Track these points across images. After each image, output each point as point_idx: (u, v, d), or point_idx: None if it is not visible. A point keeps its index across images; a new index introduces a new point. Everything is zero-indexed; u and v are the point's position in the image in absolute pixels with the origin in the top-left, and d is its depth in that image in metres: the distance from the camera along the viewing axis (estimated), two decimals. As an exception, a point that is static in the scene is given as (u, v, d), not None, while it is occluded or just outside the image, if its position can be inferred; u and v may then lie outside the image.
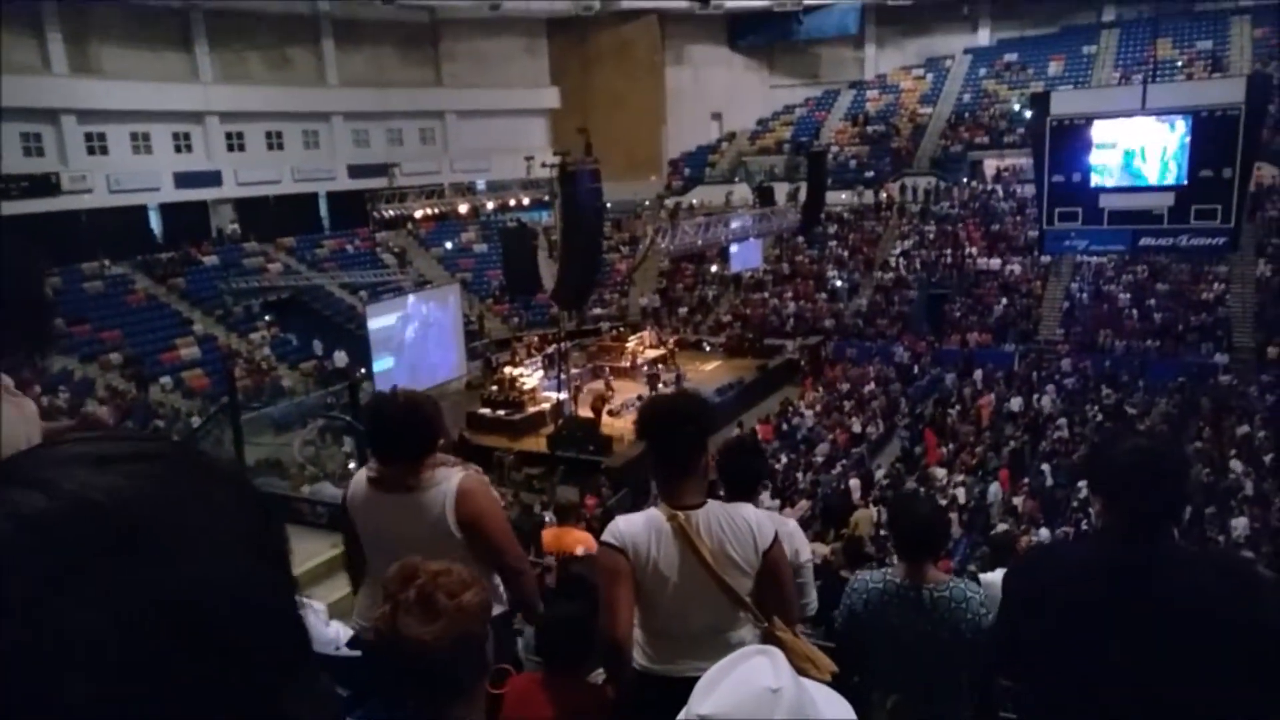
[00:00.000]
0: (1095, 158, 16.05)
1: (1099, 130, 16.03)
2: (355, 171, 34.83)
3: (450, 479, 2.81)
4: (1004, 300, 27.93)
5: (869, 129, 37.73)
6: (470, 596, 1.72)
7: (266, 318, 27.84)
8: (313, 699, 0.54)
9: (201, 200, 30.84)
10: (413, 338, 22.83)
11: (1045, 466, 18.30)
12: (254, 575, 0.53)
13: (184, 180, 29.99)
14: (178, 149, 30.40)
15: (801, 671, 1.48)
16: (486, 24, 37.09)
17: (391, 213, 34.69)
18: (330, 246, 32.67)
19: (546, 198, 28.96)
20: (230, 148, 31.67)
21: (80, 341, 23.52)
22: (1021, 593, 2.32)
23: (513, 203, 36.39)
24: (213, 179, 30.86)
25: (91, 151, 27.94)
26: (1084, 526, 14.66)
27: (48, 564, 0.45)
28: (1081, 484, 17.01)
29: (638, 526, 2.56)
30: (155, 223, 29.98)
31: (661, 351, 27.20)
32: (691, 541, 2.48)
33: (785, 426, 22.23)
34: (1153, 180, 15.50)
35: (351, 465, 11.88)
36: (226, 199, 31.58)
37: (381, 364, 21.54)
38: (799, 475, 18.88)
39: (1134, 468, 2.06)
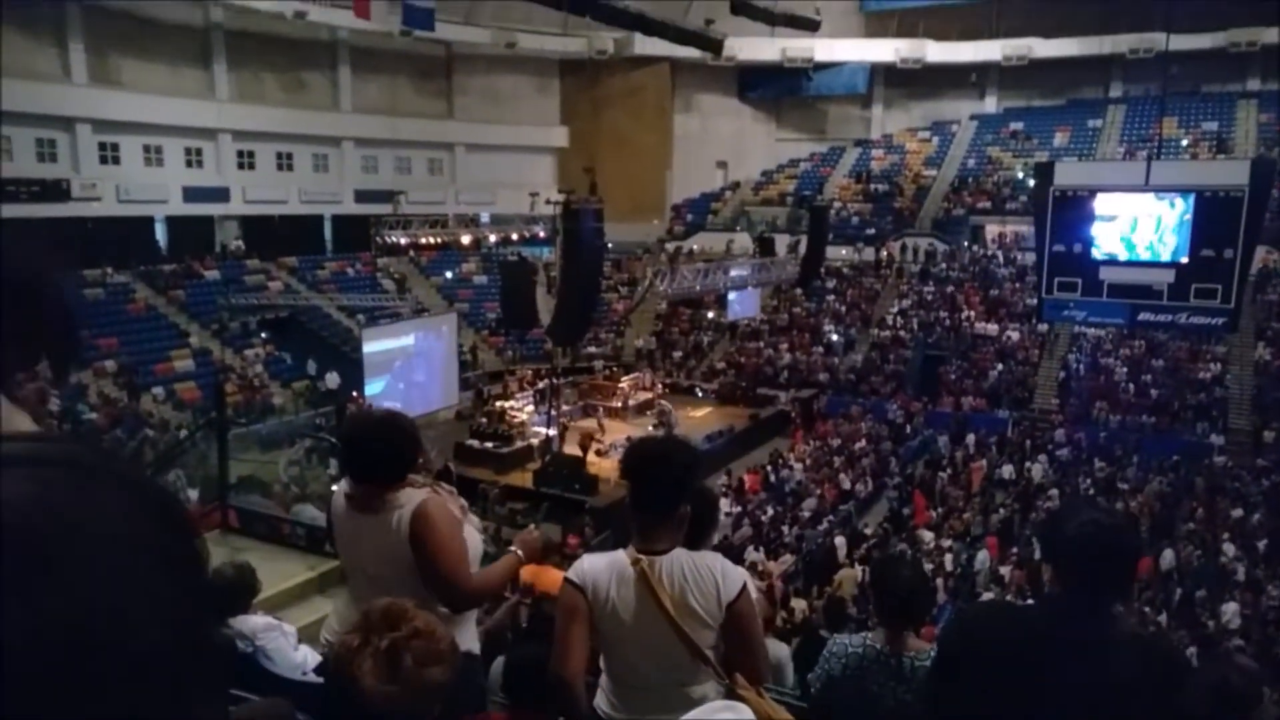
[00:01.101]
0: (1097, 230, 16.14)
1: (1102, 203, 16.15)
2: (362, 196, 35.05)
3: (411, 501, 2.77)
4: (1000, 366, 27.98)
5: (872, 187, 38.13)
6: (438, 673, 1.67)
7: (263, 335, 27.79)
8: None
9: (208, 215, 30.97)
10: (406, 364, 22.77)
11: (1035, 537, 18.15)
12: (156, 589, 0.50)
13: (192, 194, 30.14)
14: (188, 163, 30.61)
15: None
16: (501, 61, 37.62)
17: (395, 239, 34.83)
18: (332, 268, 32.74)
19: (544, 234, 29.17)
20: (240, 165, 31.89)
21: (82, 345, 23.39)
22: (955, 651, 2.34)
23: (515, 237, 36.58)
24: (221, 195, 31.03)
25: (104, 161, 28.11)
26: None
27: None
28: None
29: (600, 566, 2.52)
30: (161, 234, 30.07)
31: (650, 395, 27.16)
32: (651, 587, 2.42)
33: (773, 478, 22.10)
34: (1154, 256, 15.60)
35: (334, 488, 11.75)
36: (233, 215, 31.72)
37: (374, 388, 21.46)
38: (784, 529, 18.71)
39: (1086, 541, 2.10)
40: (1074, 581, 2.12)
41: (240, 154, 31.85)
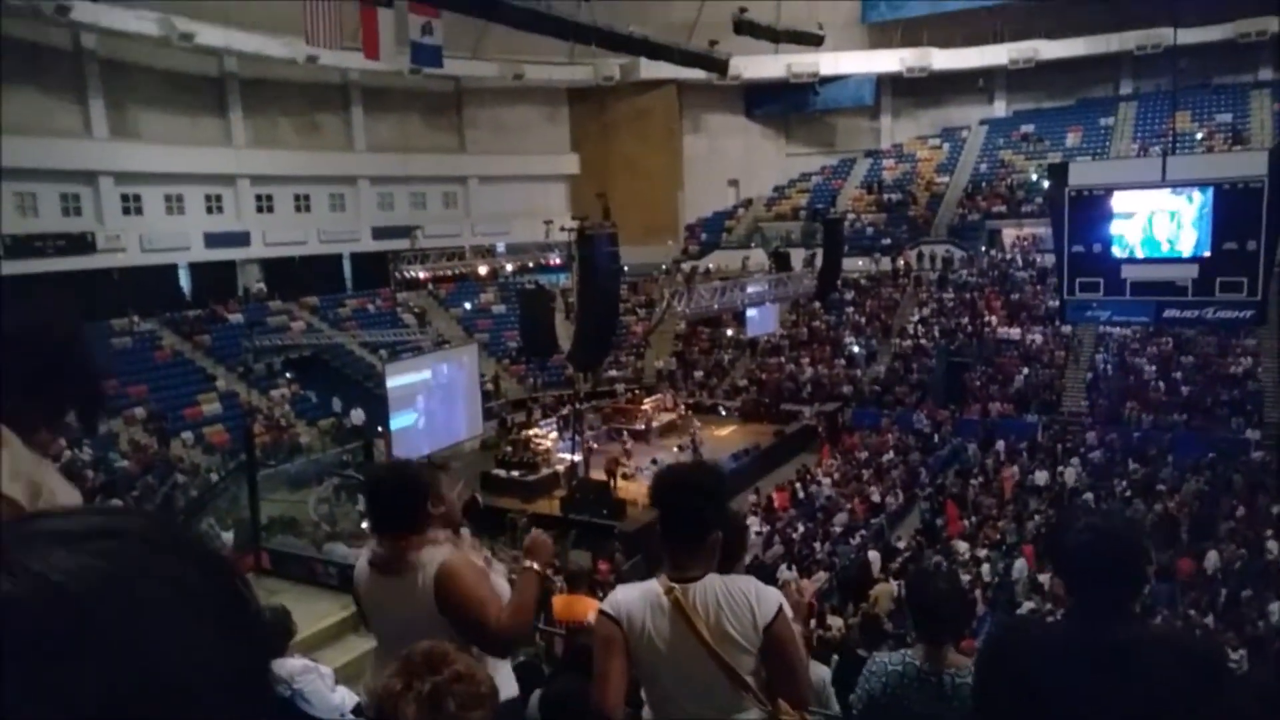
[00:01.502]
0: (1115, 228, 16.00)
1: (1119, 201, 16.02)
2: (379, 233, 35.43)
3: (433, 561, 2.78)
4: (1025, 370, 27.71)
5: (885, 197, 38.07)
6: (479, 716, 1.68)
7: (287, 375, 28.05)
8: None
9: (230, 260, 31.39)
10: (430, 397, 22.88)
11: (1042, 553, 17.85)
12: (217, 660, 0.51)
13: (214, 240, 30.59)
14: (209, 210, 31.08)
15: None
16: (509, 93, 38.03)
17: (413, 274, 35.15)
18: (352, 306, 33.07)
19: (560, 260, 29.28)
20: (260, 209, 32.34)
21: (106, 396, 23.72)
22: (990, 673, 2.34)
23: (531, 265, 36.80)
24: (242, 239, 31.46)
25: (127, 212, 28.60)
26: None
27: (10, 653, 0.44)
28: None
29: (633, 597, 2.52)
30: (185, 281, 30.50)
31: (674, 417, 27.13)
32: (686, 616, 2.41)
33: (802, 494, 21.96)
34: (1175, 252, 15.44)
35: (365, 525, 11.79)
36: (254, 259, 32.13)
37: (399, 422, 21.55)
38: (816, 545, 18.55)
39: (1085, 549, 2.10)
40: (1082, 590, 2.12)
41: (259, 198, 32.30)
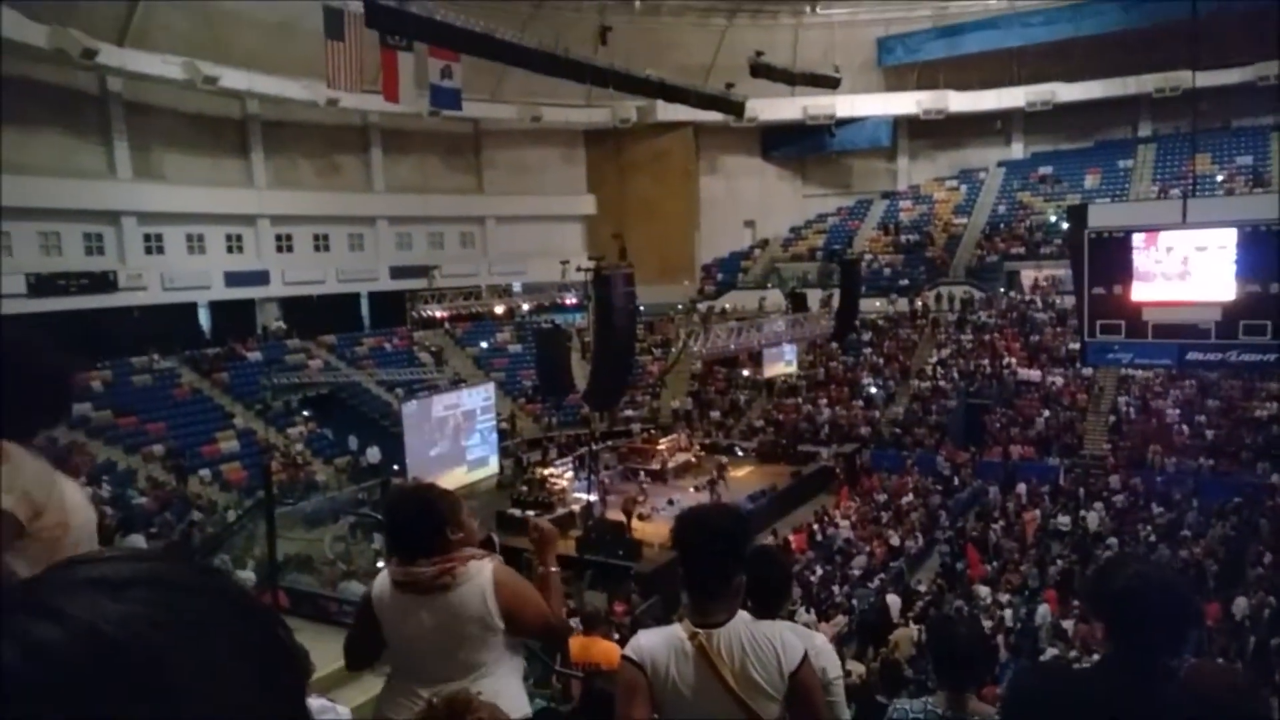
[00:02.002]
0: (1136, 271, 15.92)
1: (1139, 243, 15.96)
2: (397, 272, 35.74)
3: (482, 571, 2.76)
4: (1046, 412, 27.45)
5: (902, 238, 38.13)
6: None
7: (305, 413, 28.14)
8: None
9: (249, 298, 31.70)
10: (446, 435, 22.88)
11: (1081, 595, 17.52)
12: (258, 707, 0.52)
13: (234, 279, 30.92)
14: (229, 249, 31.46)
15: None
16: (527, 134, 38.53)
17: (430, 313, 35.36)
18: (369, 344, 33.23)
19: (576, 300, 29.39)
20: (279, 249, 32.72)
21: (125, 433, 23.88)
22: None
23: (548, 304, 36.96)
24: (261, 278, 31.79)
25: (149, 251, 28.98)
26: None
27: (53, 700, 0.45)
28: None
29: (658, 642, 2.48)
30: (204, 319, 30.79)
31: (689, 457, 26.98)
32: (711, 662, 2.38)
33: (820, 537, 21.70)
34: (1197, 295, 15.30)
35: (380, 564, 11.72)
36: (273, 297, 32.44)
37: (415, 461, 21.55)
38: (835, 589, 18.28)
39: (1134, 596, 2.03)
40: (1126, 637, 2.05)
41: (279, 238, 32.69)
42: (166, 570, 0.54)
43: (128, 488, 21.34)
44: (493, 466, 25.22)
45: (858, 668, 12.50)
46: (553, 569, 3.04)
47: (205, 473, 23.68)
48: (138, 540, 14.89)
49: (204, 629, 0.51)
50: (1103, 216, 17.34)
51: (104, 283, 27.27)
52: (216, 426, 26.16)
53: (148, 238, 28.96)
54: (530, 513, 21.89)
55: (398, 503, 3.00)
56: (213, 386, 27.68)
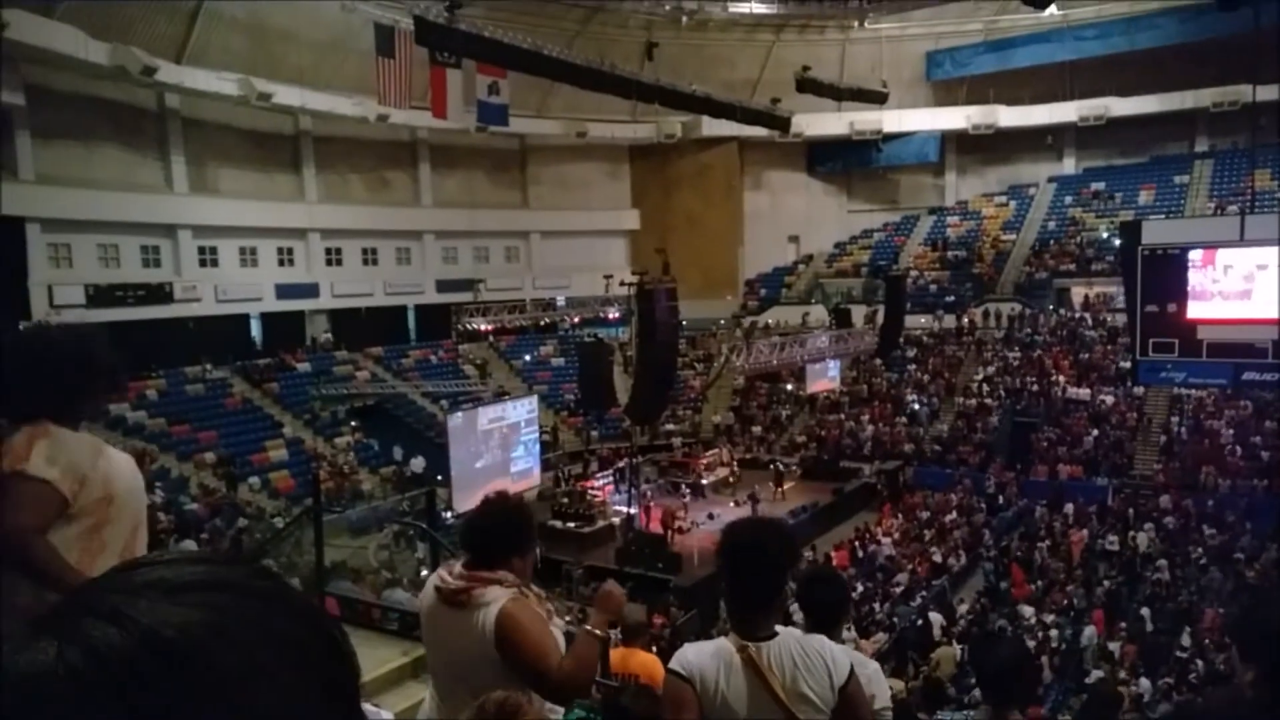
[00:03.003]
0: (1191, 288, 15.59)
1: (1195, 260, 15.63)
2: (443, 286, 36.22)
3: (497, 601, 2.75)
4: (1095, 431, 26.90)
5: (949, 254, 37.70)
6: None
7: (352, 423, 28.59)
8: None
9: (299, 310, 32.33)
10: (491, 447, 23.08)
11: (1145, 610, 17.14)
12: (317, 713, 0.53)
13: (284, 291, 31.58)
14: (280, 263, 32.15)
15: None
16: (572, 150, 38.88)
17: (475, 326, 35.77)
18: (415, 357, 33.70)
19: (619, 314, 29.53)
20: (329, 262, 33.36)
21: (179, 440, 24.48)
22: None
23: (591, 318, 37.17)
24: (311, 291, 32.43)
25: (203, 264, 29.72)
26: (1191, 678, 13.56)
27: (114, 704, 0.46)
28: (1186, 631, 15.87)
29: (706, 656, 2.46)
30: (255, 330, 31.46)
31: (726, 473, 26.89)
32: (762, 674, 2.36)
33: (861, 554, 21.48)
34: (1254, 313, 14.93)
35: (424, 573, 11.86)
36: (322, 309, 33.05)
37: (459, 472, 21.77)
38: (876, 606, 18.08)
39: None
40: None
41: (328, 251, 33.34)
42: (224, 573, 0.56)
43: (180, 494, 21.85)
44: (535, 478, 25.38)
45: (898, 685, 12.35)
46: (597, 632, 2.91)
47: (255, 480, 24.15)
48: (190, 546, 15.26)
49: (261, 632, 0.52)
50: (1157, 233, 17.03)
51: (160, 294, 28.00)
52: (266, 435, 26.70)
53: (202, 250, 29.70)
54: (570, 524, 22.04)
55: (489, 506, 3.00)
56: (263, 396, 28.26)
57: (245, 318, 31.08)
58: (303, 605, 0.57)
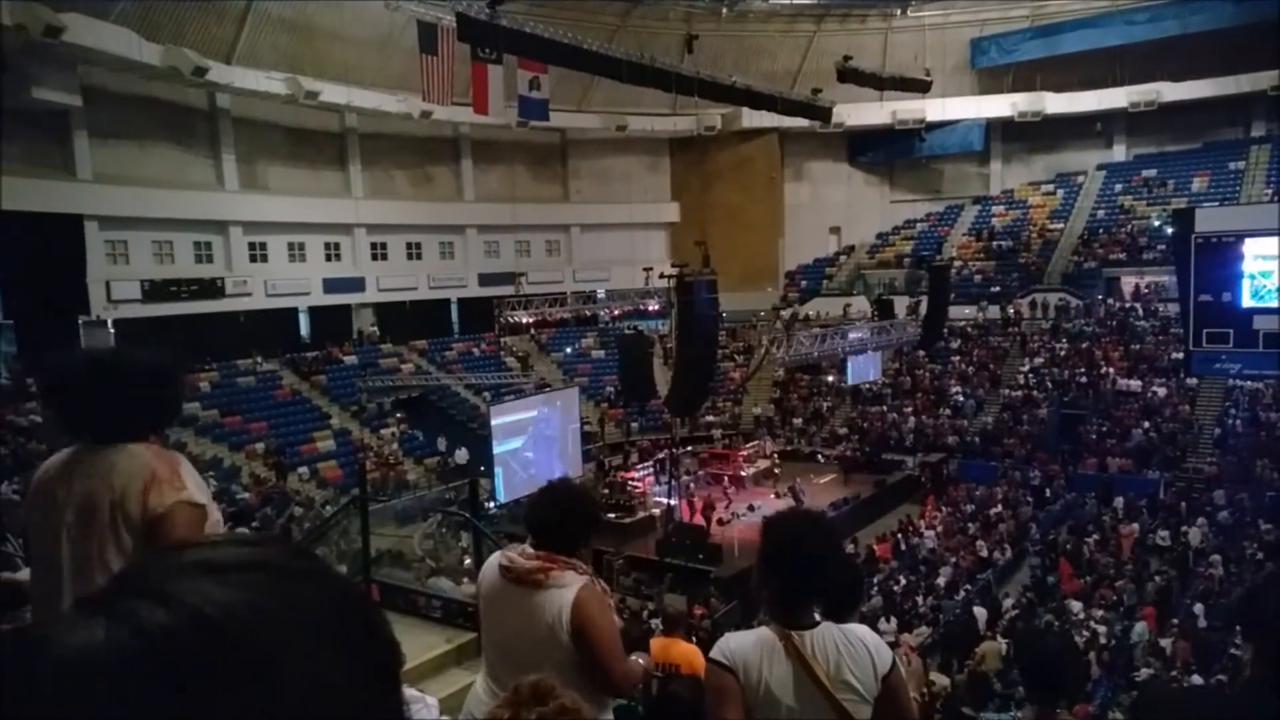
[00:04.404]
0: (1246, 277, 15.23)
1: (1250, 248, 15.26)
2: (485, 280, 36.57)
3: (572, 585, 2.76)
4: (1146, 424, 26.34)
5: (994, 244, 37.10)
6: None
7: (397, 414, 29.06)
8: None
9: (346, 304, 32.89)
10: (532, 438, 23.31)
11: (1199, 607, 16.78)
12: (354, 693, 0.53)
13: (331, 286, 32.15)
14: (328, 258, 32.73)
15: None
16: (613, 143, 38.95)
17: (517, 319, 36.08)
18: (459, 349, 34.12)
19: (659, 306, 29.56)
20: (374, 257, 33.87)
21: (230, 431, 25.10)
22: None
23: (631, 310, 37.26)
24: (357, 285, 32.97)
25: (253, 259, 30.37)
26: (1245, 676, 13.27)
27: (162, 681, 0.47)
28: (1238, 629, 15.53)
29: (748, 645, 2.44)
30: (304, 324, 32.08)
31: (767, 465, 26.82)
32: (806, 662, 2.35)
33: (904, 546, 21.32)
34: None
35: (467, 561, 12.05)
36: (368, 303, 33.59)
37: (501, 462, 22.03)
38: (919, 599, 17.95)
39: None
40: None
41: (374, 246, 33.85)
42: (269, 555, 0.57)
43: (232, 483, 22.40)
44: (577, 470, 25.53)
45: (943, 679, 12.29)
46: (644, 667, 3.06)
47: (304, 470, 24.67)
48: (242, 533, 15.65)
49: (305, 614, 0.54)
50: (1210, 220, 16.71)
51: (212, 289, 28.68)
52: (314, 426, 27.24)
53: (252, 246, 30.33)
54: (611, 515, 22.15)
55: (551, 492, 3.02)
56: (311, 388, 28.82)
57: (294, 311, 31.70)
58: (341, 586, 0.59)
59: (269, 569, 0.55)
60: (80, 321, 24.44)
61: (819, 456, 28.82)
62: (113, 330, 25.03)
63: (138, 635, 0.49)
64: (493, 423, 22.44)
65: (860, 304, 35.40)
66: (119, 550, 2.23)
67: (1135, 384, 28.00)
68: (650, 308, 35.21)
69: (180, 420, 23.97)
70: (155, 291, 26.92)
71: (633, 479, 24.04)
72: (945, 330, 30.59)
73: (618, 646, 2.82)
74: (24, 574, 3.29)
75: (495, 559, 2.95)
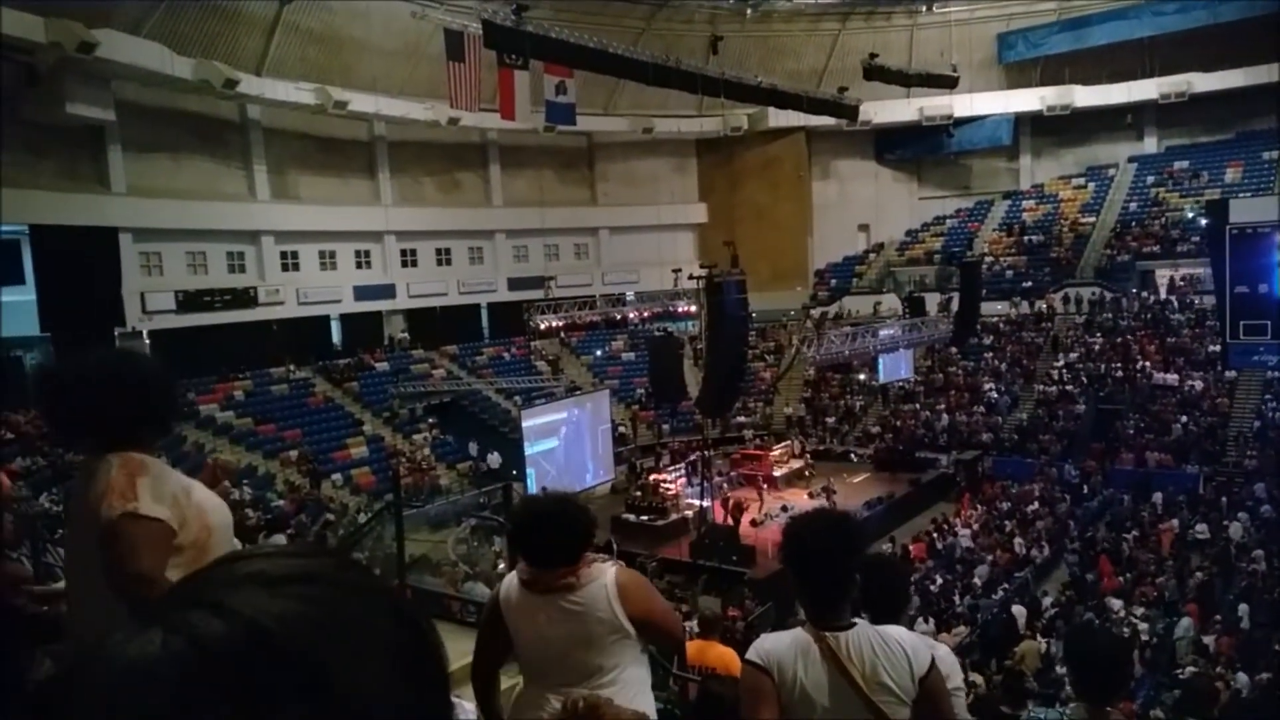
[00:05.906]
0: (1283, 267, 14.97)
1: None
2: (514, 284, 36.77)
3: (605, 573, 2.73)
4: (1184, 418, 25.92)
5: (1026, 239, 36.69)
6: None
7: (429, 420, 29.27)
8: None
9: (377, 311, 33.21)
10: (563, 442, 23.41)
11: (1243, 606, 16.46)
12: (409, 703, 0.55)
13: (362, 293, 32.48)
14: (358, 265, 33.06)
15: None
16: (639, 146, 39.02)
17: (546, 323, 36.24)
18: (489, 354, 34.31)
19: (693, 308, 29.56)
20: (404, 264, 34.17)
21: (265, 439, 25.43)
22: None
23: (660, 312, 37.28)
24: (387, 292, 33.28)
25: (285, 268, 30.74)
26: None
27: (217, 692, 0.48)
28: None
29: (783, 646, 2.43)
30: (335, 331, 32.43)
31: (800, 465, 26.70)
32: (841, 664, 2.33)
33: (940, 545, 21.14)
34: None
35: (500, 566, 12.14)
36: (399, 310, 33.89)
37: (533, 467, 22.15)
38: (956, 598, 17.79)
39: None
40: None
41: (404, 253, 34.16)
42: (321, 567, 0.58)
43: (267, 490, 22.70)
44: (609, 472, 25.61)
45: (980, 679, 12.18)
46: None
47: (337, 477, 24.93)
48: (280, 540, 15.86)
49: (357, 625, 0.55)
50: (1246, 211, 16.44)
51: (245, 298, 29.06)
52: (347, 433, 27.52)
53: (284, 255, 30.71)
54: (644, 517, 22.18)
55: (539, 513, 2.85)
56: (344, 395, 29.13)
57: (326, 319, 32.05)
58: (395, 599, 0.61)
59: (322, 581, 0.56)
60: (116, 333, 24.86)
61: (852, 455, 28.62)
62: (148, 341, 25.46)
63: (194, 645, 0.49)
64: (524, 425, 22.56)
65: (891, 301, 35.17)
66: (98, 560, 2.19)
67: (1172, 378, 27.56)
68: (679, 309, 35.23)
69: (214, 429, 24.48)
70: (189, 302, 27.34)
71: (665, 481, 24.04)
72: (978, 326, 30.30)
73: (669, 607, 2.85)
74: (61, 584, 3.38)
75: (512, 577, 2.87)
